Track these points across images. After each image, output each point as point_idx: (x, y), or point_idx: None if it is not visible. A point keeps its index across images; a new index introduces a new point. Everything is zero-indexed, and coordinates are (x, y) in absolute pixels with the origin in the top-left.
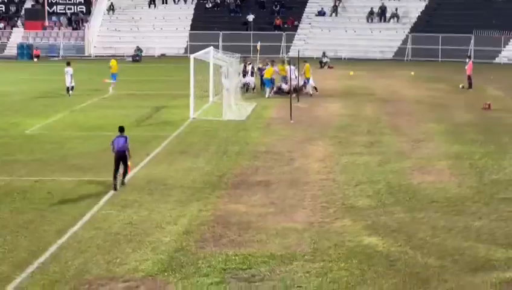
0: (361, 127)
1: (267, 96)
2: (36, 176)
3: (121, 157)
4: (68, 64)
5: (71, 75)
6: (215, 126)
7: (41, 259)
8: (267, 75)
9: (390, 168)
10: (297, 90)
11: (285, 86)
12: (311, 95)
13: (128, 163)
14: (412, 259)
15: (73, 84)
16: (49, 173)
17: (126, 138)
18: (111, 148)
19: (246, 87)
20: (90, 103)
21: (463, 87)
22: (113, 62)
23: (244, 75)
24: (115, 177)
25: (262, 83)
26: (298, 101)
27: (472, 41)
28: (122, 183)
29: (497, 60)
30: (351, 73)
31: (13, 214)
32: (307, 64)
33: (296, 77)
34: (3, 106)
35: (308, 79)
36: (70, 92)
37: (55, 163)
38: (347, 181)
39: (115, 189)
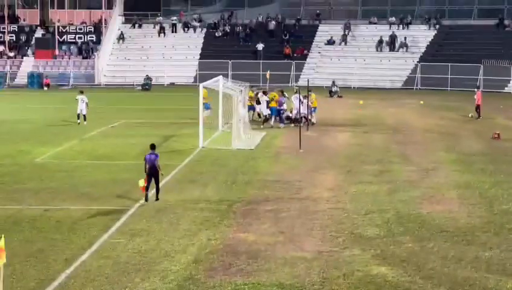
0: (370, 156)
1: (272, 124)
2: (45, 205)
3: (153, 173)
4: (81, 92)
5: (87, 103)
6: (224, 155)
7: (50, 288)
8: (272, 103)
9: (399, 197)
10: (306, 119)
11: (290, 114)
12: (313, 124)
13: (160, 173)
14: (422, 289)
15: (85, 112)
16: (58, 202)
17: (157, 155)
18: (143, 164)
19: (266, 118)
20: (100, 131)
21: (472, 116)
22: (205, 91)
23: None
24: (147, 189)
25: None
26: (307, 130)
27: (481, 70)
28: (157, 199)
29: (506, 89)
30: (361, 102)
31: (22, 243)
32: (313, 94)
33: (307, 106)
34: (14, 134)
35: (315, 108)
36: (85, 122)
37: (65, 192)
38: (356, 210)
39: (146, 200)
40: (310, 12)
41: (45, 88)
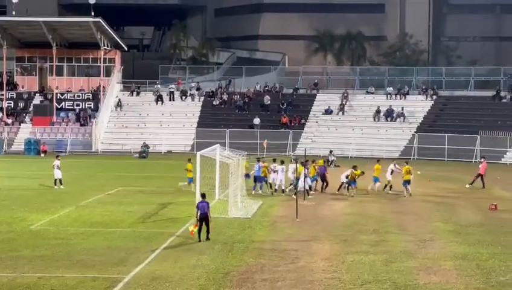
0: (367, 225)
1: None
2: (40, 273)
3: (204, 218)
4: (57, 157)
5: (58, 166)
6: (221, 224)
7: None
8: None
9: (396, 267)
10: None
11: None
12: (389, 192)
13: (210, 220)
14: None
15: (60, 177)
16: (53, 270)
17: (208, 203)
18: (195, 211)
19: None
20: (96, 199)
21: (470, 185)
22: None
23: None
24: (199, 234)
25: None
26: (304, 199)
27: (478, 141)
28: (207, 239)
29: (503, 160)
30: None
31: None
32: (378, 165)
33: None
34: (10, 200)
35: (376, 178)
36: (61, 186)
37: (60, 259)
38: (352, 280)
39: (199, 241)
40: (307, 82)
41: (42, 155)
